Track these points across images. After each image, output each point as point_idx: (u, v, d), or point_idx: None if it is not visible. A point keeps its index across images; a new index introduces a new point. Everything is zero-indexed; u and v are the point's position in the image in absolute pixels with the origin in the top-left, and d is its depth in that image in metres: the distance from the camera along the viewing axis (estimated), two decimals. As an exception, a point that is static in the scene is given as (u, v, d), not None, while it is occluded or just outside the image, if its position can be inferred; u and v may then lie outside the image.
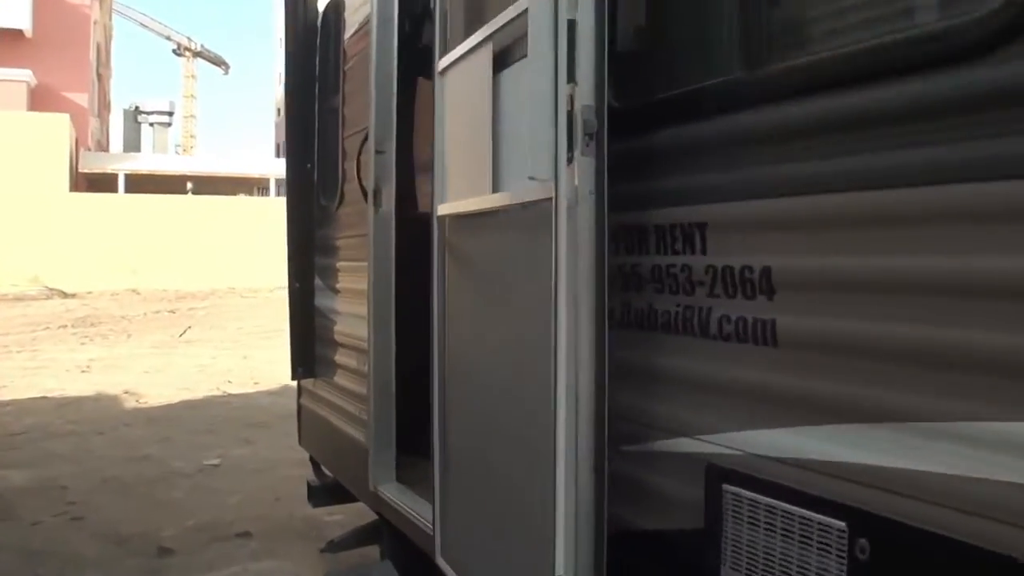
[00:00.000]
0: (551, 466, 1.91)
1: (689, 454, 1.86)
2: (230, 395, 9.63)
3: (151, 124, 63.25)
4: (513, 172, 2.18)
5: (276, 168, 39.47)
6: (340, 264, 4.17)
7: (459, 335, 2.59)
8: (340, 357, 4.07)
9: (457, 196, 2.55)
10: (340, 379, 4.06)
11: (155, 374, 10.96)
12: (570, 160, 1.83)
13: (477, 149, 2.34)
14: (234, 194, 36.24)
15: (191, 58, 64.90)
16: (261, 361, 11.88)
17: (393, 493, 3.37)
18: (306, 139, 4.45)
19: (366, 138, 3.55)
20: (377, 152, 3.47)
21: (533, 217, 2.02)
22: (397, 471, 3.48)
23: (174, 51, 64.07)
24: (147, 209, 29.80)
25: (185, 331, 16.01)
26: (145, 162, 39.51)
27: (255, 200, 36.32)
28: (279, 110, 63.74)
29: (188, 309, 21.02)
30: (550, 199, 1.88)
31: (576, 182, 1.83)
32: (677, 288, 1.93)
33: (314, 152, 4.44)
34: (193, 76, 66.61)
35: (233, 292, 26.80)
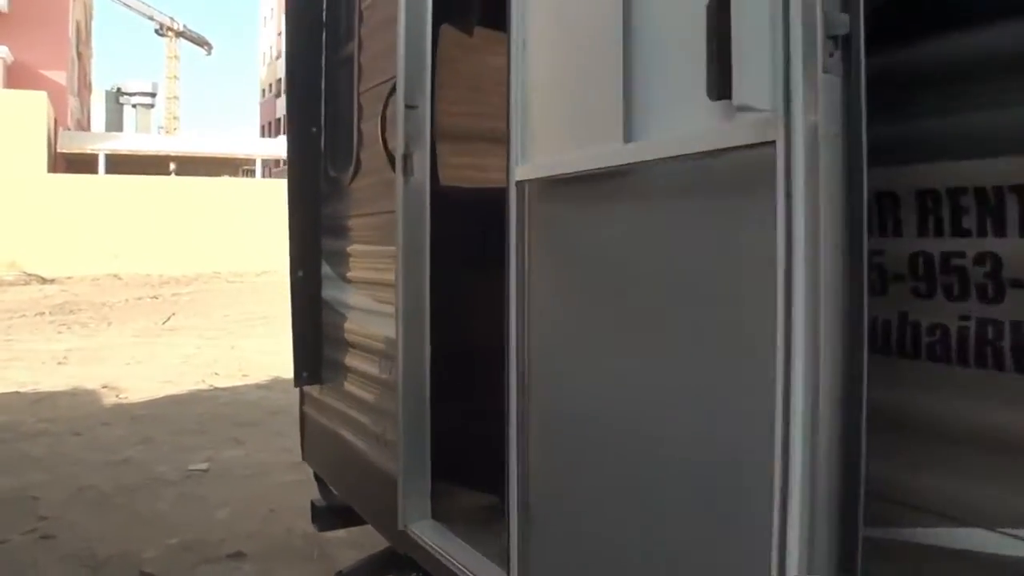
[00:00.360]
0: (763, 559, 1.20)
1: (996, 556, 1.15)
2: (217, 388, 9.06)
3: (134, 106, 62.72)
4: (663, 111, 1.42)
5: (262, 148, 39.05)
6: (355, 248, 3.48)
7: (559, 347, 1.84)
8: (355, 361, 3.41)
9: (552, 152, 1.82)
10: (355, 388, 3.40)
11: (136, 366, 10.41)
12: (807, 80, 1.11)
13: (595, 81, 1.59)
14: (218, 175, 35.63)
15: (174, 38, 64.05)
16: (249, 351, 11.39)
17: (429, 535, 2.73)
18: (311, 98, 3.75)
19: (392, 91, 2.87)
20: (407, 107, 2.80)
21: (726, 173, 1.30)
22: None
23: (156, 31, 63.16)
24: (129, 190, 29.36)
25: (169, 318, 15.54)
26: (126, 142, 38.87)
27: (241, 181, 35.86)
28: (264, 91, 63.03)
29: (172, 295, 20.61)
30: (770, 143, 1.16)
31: (817, 115, 1.12)
32: (964, 291, 1.20)
33: (320, 113, 3.74)
34: (176, 57, 65.77)
35: (218, 277, 26.51)
